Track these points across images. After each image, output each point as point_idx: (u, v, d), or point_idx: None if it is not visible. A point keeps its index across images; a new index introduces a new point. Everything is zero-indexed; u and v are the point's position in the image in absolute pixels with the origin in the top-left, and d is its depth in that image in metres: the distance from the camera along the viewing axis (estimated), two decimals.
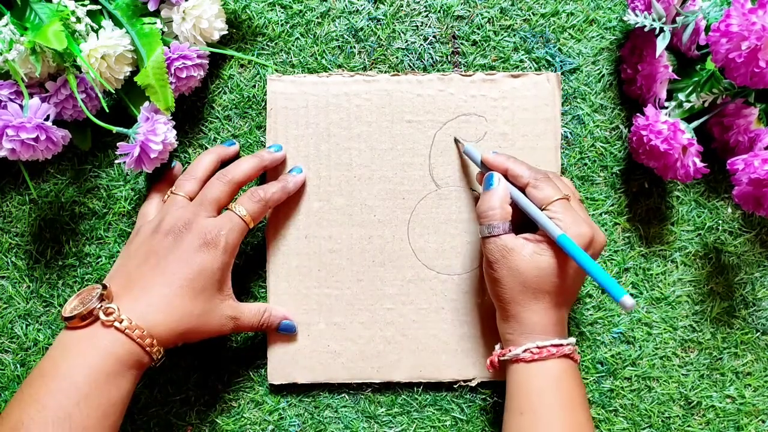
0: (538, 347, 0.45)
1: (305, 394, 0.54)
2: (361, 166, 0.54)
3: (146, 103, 0.49)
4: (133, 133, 0.48)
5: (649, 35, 0.51)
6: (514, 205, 0.47)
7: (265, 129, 0.54)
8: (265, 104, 0.54)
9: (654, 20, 0.49)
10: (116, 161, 0.50)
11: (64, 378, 0.41)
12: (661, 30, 0.49)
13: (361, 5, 0.55)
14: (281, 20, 0.55)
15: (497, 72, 0.54)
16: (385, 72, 0.55)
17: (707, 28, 0.50)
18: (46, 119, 0.48)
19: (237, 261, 0.54)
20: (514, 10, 0.55)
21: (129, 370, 0.43)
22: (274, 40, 0.55)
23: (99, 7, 0.49)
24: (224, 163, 0.53)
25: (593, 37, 0.55)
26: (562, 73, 0.55)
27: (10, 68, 0.46)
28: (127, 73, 0.49)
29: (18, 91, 0.48)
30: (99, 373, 0.42)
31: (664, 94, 0.52)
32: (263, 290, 0.55)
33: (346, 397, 0.54)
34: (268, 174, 0.54)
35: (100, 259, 0.54)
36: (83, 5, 0.47)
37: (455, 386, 0.54)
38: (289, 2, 0.55)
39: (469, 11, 0.55)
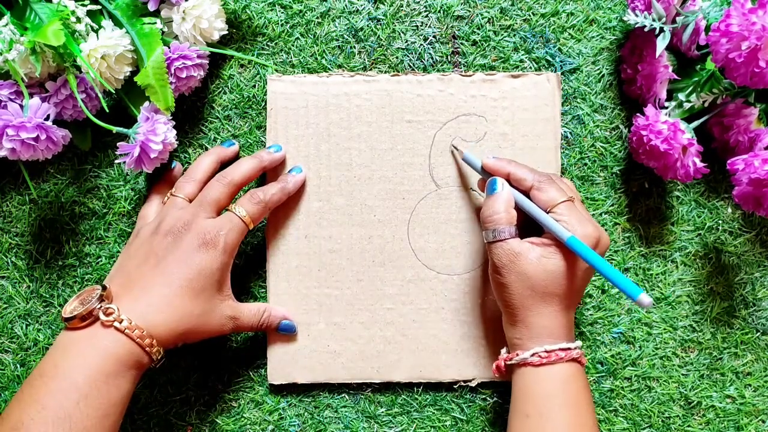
0: (546, 351, 0.45)
1: (305, 394, 0.54)
2: (361, 166, 0.54)
3: (146, 103, 0.49)
4: (133, 133, 0.48)
5: (649, 35, 0.50)
6: (518, 208, 0.47)
7: (265, 129, 0.54)
8: (265, 104, 0.54)
9: (654, 20, 0.49)
10: (116, 161, 0.50)
11: (64, 378, 0.41)
12: (661, 30, 0.49)
13: (361, 5, 0.55)
14: (281, 20, 0.55)
15: (497, 72, 0.54)
16: (385, 72, 0.55)
17: (707, 28, 0.50)
18: (46, 119, 0.48)
19: (237, 261, 0.54)
20: (514, 10, 0.55)
21: (129, 370, 0.43)
22: (274, 40, 0.55)
23: (99, 7, 0.49)
24: (224, 164, 0.53)
25: (593, 37, 0.55)
26: (562, 73, 0.55)
27: (10, 68, 0.46)
28: (127, 73, 0.49)
29: (18, 91, 0.48)
30: (99, 374, 0.42)
31: (664, 94, 0.52)
32: (263, 290, 0.55)
33: (346, 397, 0.54)
34: (268, 174, 0.54)
35: (100, 259, 0.54)
36: (83, 5, 0.47)
37: (455, 386, 0.54)
38: (289, 2, 0.55)
39: (469, 11, 0.55)
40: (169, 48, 0.49)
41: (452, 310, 0.54)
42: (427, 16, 0.55)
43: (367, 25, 0.55)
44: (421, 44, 0.55)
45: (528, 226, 0.48)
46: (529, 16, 0.55)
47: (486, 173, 0.50)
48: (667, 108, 0.51)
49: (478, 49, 0.55)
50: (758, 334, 0.55)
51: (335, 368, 0.54)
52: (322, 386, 0.54)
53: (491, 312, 0.54)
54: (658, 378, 0.55)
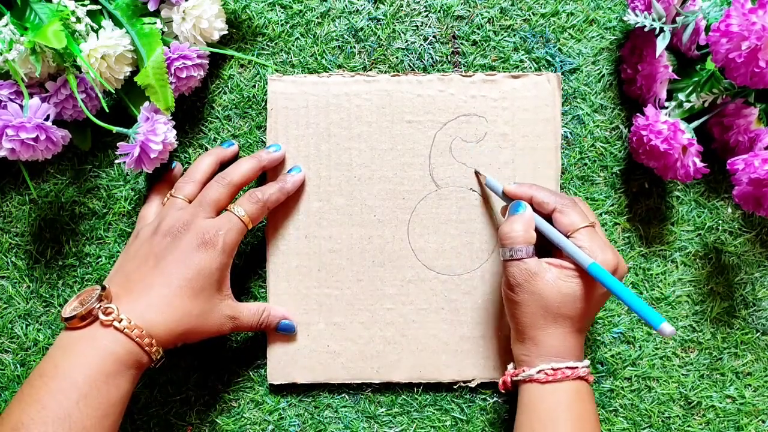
0: (553, 369, 0.45)
1: (305, 394, 0.54)
2: (361, 166, 0.54)
3: (146, 103, 0.49)
4: (133, 133, 0.48)
5: (649, 35, 0.50)
6: (537, 231, 0.47)
7: (265, 129, 0.54)
8: (265, 104, 0.54)
9: (654, 20, 0.49)
10: (116, 161, 0.50)
11: (64, 378, 0.41)
12: (661, 30, 0.49)
13: (361, 5, 0.55)
14: (281, 20, 0.55)
15: (497, 72, 0.54)
16: (385, 72, 0.55)
17: (707, 28, 0.50)
18: (46, 119, 0.48)
19: (237, 261, 0.54)
20: (514, 10, 0.55)
21: (128, 369, 0.43)
22: (274, 40, 0.55)
23: (99, 7, 0.49)
24: (224, 164, 0.53)
25: (593, 37, 0.55)
26: (562, 73, 0.55)
27: (10, 68, 0.46)
28: (127, 73, 0.49)
29: (18, 91, 0.48)
30: (98, 373, 0.42)
31: (664, 94, 0.52)
32: (263, 290, 0.55)
33: (346, 397, 0.54)
34: (268, 174, 0.54)
35: (100, 259, 0.54)
36: (83, 5, 0.47)
37: (455, 386, 0.54)
38: (289, 2, 0.55)
39: (469, 11, 0.55)
40: (169, 48, 0.49)
41: (452, 310, 0.54)
42: (427, 16, 0.55)
43: (367, 25, 0.55)
44: (421, 44, 0.55)
45: (541, 247, 0.47)
46: (529, 16, 0.55)
47: (508, 199, 0.50)
48: (667, 108, 0.51)
49: (478, 49, 0.55)
50: (758, 334, 0.55)
51: (335, 368, 0.54)
52: (322, 386, 0.54)
53: (491, 312, 0.54)
54: (658, 378, 0.55)
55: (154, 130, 0.48)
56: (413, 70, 0.55)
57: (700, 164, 0.49)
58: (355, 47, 0.55)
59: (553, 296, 0.45)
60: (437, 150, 0.54)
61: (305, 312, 0.54)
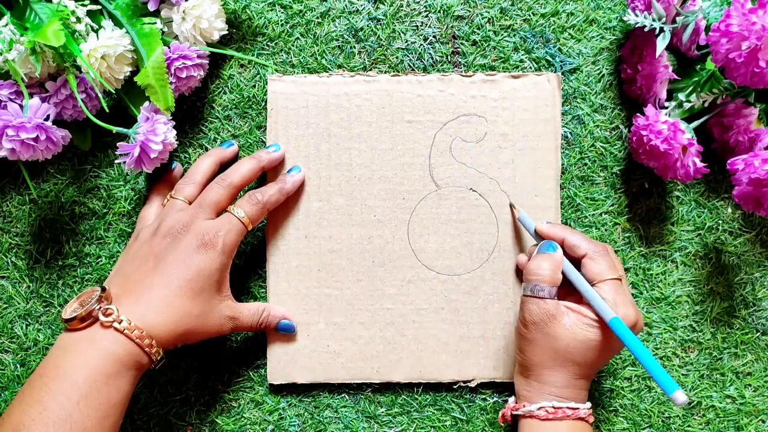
0: (554, 407, 0.45)
1: (305, 394, 0.54)
2: (361, 166, 0.54)
3: (146, 103, 0.49)
4: (133, 133, 0.48)
5: (649, 35, 0.50)
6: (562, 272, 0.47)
7: (265, 129, 0.54)
8: (265, 104, 0.54)
9: (654, 20, 0.49)
10: (116, 161, 0.50)
11: (64, 379, 0.41)
12: (661, 30, 0.49)
13: (361, 5, 0.55)
14: (281, 20, 0.55)
15: (497, 72, 0.54)
16: (385, 72, 0.55)
17: (707, 28, 0.50)
18: (46, 119, 0.48)
19: (237, 261, 0.54)
20: (514, 10, 0.55)
21: (128, 370, 0.43)
22: (274, 40, 0.55)
23: (99, 7, 0.49)
24: (224, 164, 0.53)
25: (593, 37, 0.55)
26: (562, 73, 0.55)
27: (10, 68, 0.46)
28: (127, 73, 0.49)
29: (18, 91, 0.48)
30: (99, 374, 0.42)
31: (664, 94, 0.52)
32: (263, 290, 0.55)
33: (346, 397, 0.54)
34: (268, 174, 0.54)
35: (100, 259, 0.54)
36: (83, 5, 0.47)
37: (455, 386, 0.54)
38: (289, 2, 0.55)
39: (469, 11, 0.55)
40: (169, 48, 0.49)
41: (452, 310, 0.54)
42: (427, 16, 0.55)
43: (367, 25, 0.55)
44: (421, 44, 0.55)
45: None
46: (529, 16, 0.55)
47: (539, 237, 0.49)
48: (667, 108, 0.51)
49: (478, 49, 0.55)
50: (758, 334, 0.55)
51: (335, 368, 0.54)
52: (322, 386, 0.54)
53: (491, 312, 0.54)
54: None
55: (154, 130, 0.48)
56: (413, 70, 0.55)
57: (700, 164, 0.49)
58: (355, 47, 0.55)
59: (566, 341, 0.45)
60: (437, 150, 0.54)
61: (305, 312, 0.54)
